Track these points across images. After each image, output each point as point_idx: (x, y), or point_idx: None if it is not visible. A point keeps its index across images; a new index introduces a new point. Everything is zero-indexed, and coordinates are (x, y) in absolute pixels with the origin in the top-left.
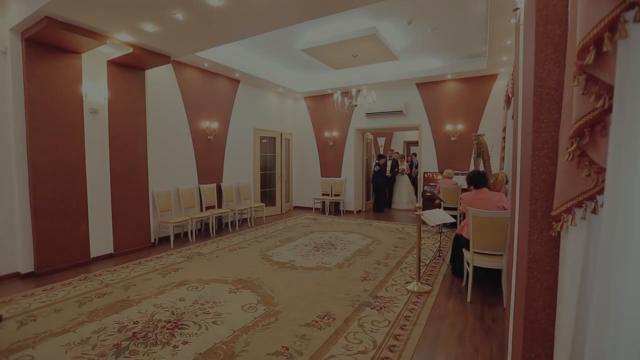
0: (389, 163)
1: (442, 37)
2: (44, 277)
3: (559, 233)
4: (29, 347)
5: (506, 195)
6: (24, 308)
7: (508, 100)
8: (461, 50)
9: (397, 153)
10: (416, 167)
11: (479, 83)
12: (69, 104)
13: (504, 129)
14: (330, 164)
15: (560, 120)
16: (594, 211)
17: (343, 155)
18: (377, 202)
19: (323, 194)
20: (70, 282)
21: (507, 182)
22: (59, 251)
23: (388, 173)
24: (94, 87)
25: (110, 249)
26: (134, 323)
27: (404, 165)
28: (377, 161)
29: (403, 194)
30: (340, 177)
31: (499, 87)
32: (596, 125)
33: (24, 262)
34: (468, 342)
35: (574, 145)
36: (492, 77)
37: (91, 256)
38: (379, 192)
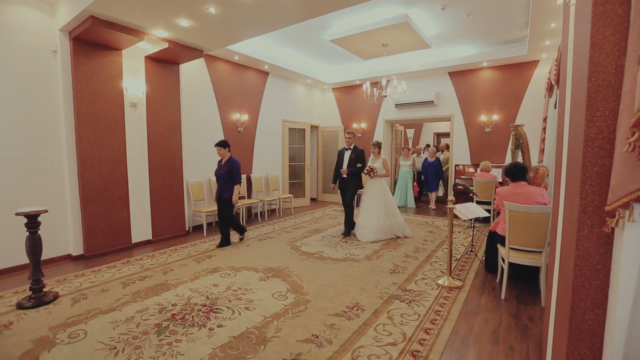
0: (347, 154)
1: (478, 23)
2: (92, 259)
3: (612, 229)
4: (82, 322)
5: (546, 189)
6: (76, 287)
7: (550, 88)
8: (498, 35)
9: (377, 144)
10: (442, 163)
11: (518, 70)
12: (112, 98)
13: (545, 119)
14: None
15: (618, 108)
16: None
17: (371, 147)
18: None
19: None
20: (115, 265)
21: (547, 175)
22: (105, 236)
23: (344, 168)
24: (134, 82)
25: (149, 236)
26: (172, 305)
27: (377, 163)
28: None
29: (372, 213)
30: None
31: (540, 75)
32: None
33: (75, 245)
34: (502, 340)
35: (636, 135)
36: (532, 64)
37: (132, 242)
38: (345, 204)
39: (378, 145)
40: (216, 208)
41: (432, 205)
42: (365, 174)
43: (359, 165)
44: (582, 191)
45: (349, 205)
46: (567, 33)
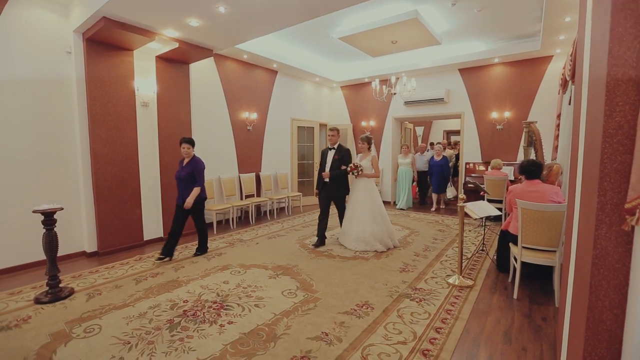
0: (330, 154)
1: (490, 18)
2: (106, 256)
3: (632, 227)
4: (96, 317)
5: (560, 187)
6: (90, 283)
7: (564, 84)
8: (510, 31)
9: (366, 138)
10: (449, 161)
11: (530, 66)
12: (124, 98)
13: (559, 116)
14: None
15: (639, 103)
16: None
17: (380, 145)
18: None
19: None
20: (128, 262)
21: (561, 173)
22: (118, 233)
23: (326, 172)
24: (145, 82)
25: (160, 233)
26: (184, 302)
27: (364, 161)
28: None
29: (355, 219)
30: None
31: (554, 70)
32: None
33: (89, 242)
34: (515, 340)
35: None
36: (545, 59)
37: (144, 239)
38: (322, 208)
39: (367, 140)
40: (226, 206)
41: (433, 208)
42: (349, 172)
43: (343, 167)
44: (600, 188)
45: (342, 210)
46: (583, 26)
